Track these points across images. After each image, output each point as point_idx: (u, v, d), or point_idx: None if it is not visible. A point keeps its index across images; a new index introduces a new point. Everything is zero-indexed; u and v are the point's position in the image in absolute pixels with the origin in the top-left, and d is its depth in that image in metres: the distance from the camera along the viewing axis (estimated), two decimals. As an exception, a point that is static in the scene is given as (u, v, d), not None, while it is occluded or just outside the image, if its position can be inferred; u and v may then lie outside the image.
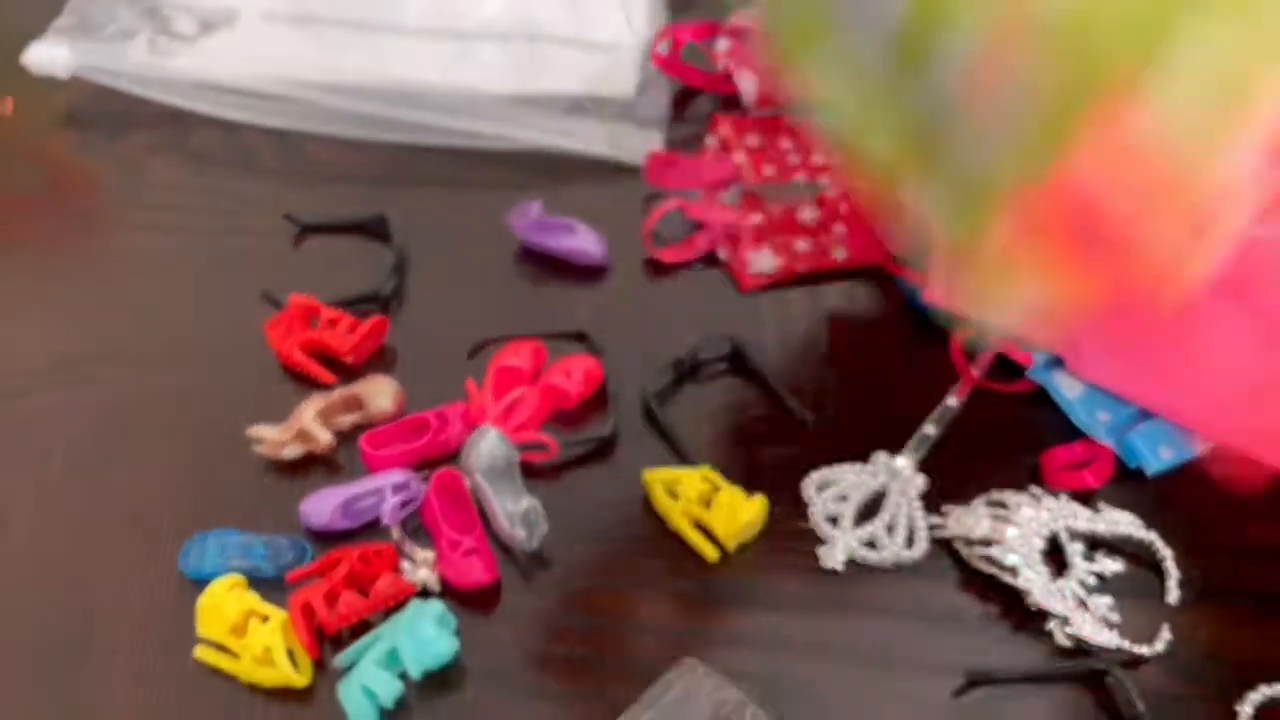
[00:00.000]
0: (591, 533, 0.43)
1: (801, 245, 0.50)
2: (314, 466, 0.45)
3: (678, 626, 0.40)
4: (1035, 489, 0.42)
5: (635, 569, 0.42)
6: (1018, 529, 0.40)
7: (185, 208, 0.55)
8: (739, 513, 0.41)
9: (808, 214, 0.51)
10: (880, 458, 0.44)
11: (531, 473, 0.44)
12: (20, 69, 0.57)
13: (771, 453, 0.45)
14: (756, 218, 0.51)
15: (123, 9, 0.59)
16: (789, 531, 0.43)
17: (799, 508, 0.43)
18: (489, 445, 0.42)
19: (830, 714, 0.38)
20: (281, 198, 0.55)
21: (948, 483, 0.43)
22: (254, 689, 0.39)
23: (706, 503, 0.42)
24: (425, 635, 0.38)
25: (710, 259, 0.52)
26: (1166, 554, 0.41)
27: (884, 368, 0.47)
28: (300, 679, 0.38)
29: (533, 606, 0.41)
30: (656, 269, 0.52)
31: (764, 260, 0.50)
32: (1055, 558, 0.41)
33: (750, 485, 0.43)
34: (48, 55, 0.56)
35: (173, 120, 0.58)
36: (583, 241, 0.51)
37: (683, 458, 0.44)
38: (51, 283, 0.52)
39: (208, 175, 0.56)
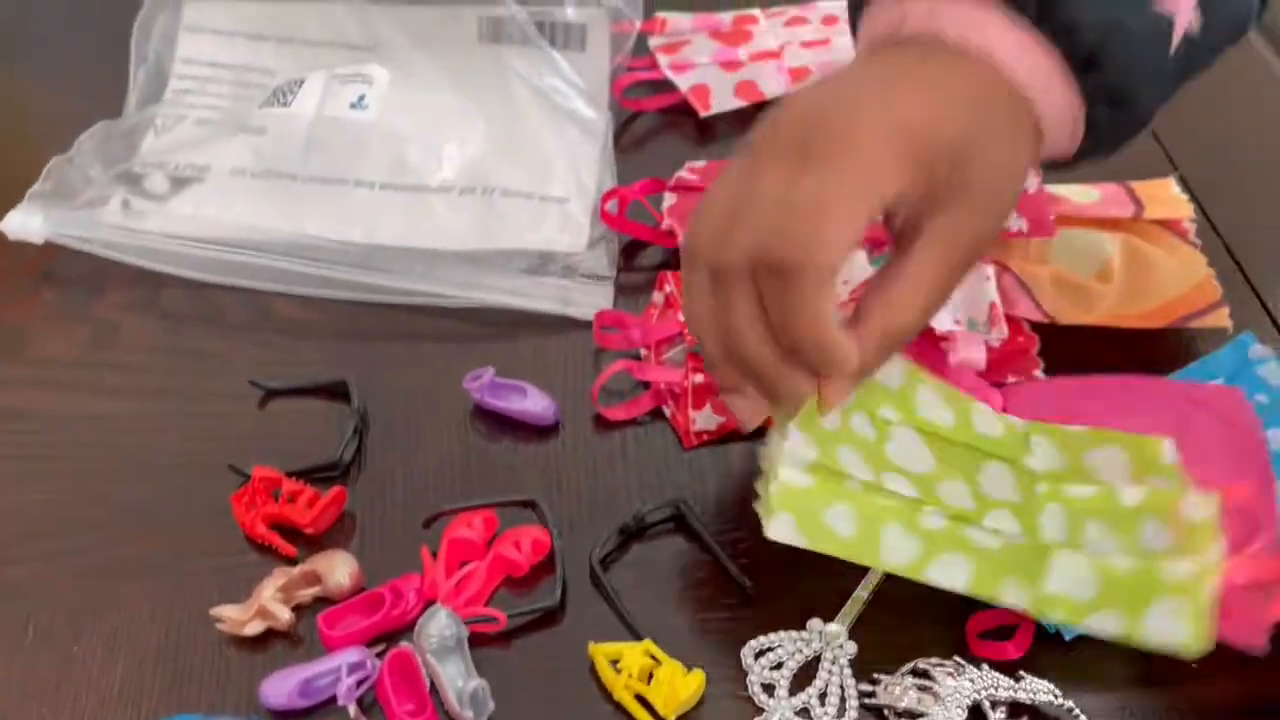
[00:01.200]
0: (539, 704, 0.45)
1: (742, 404, 0.53)
2: (275, 641, 0.47)
3: (620, 800, 0.42)
4: (958, 659, 0.44)
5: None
6: (941, 702, 0.42)
7: (155, 369, 0.57)
8: (678, 689, 0.43)
9: (748, 372, 0.53)
10: (815, 624, 0.46)
11: (482, 642, 0.46)
12: (-2, 233, 0.60)
13: (713, 618, 0.47)
14: (699, 377, 0.53)
15: (98, 171, 0.62)
16: (727, 702, 0.45)
17: (737, 675, 0.45)
18: (438, 626, 0.44)
19: None
20: (249, 356, 0.57)
21: (878, 648, 0.45)
22: None
23: (648, 677, 0.44)
24: (376, 823, 0.40)
25: (658, 413, 0.54)
26: (1083, 719, 0.43)
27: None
28: None
29: (482, 782, 0.43)
30: (605, 425, 0.54)
31: (706, 419, 0.53)
32: (979, 723, 0.43)
33: (691, 652, 0.45)
34: (22, 223, 0.59)
35: (146, 279, 0.60)
36: (534, 404, 0.53)
37: (628, 627, 0.47)
38: (25, 449, 0.55)
39: (178, 335, 0.59)
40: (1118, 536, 0.44)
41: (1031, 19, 0.40)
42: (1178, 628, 0.42)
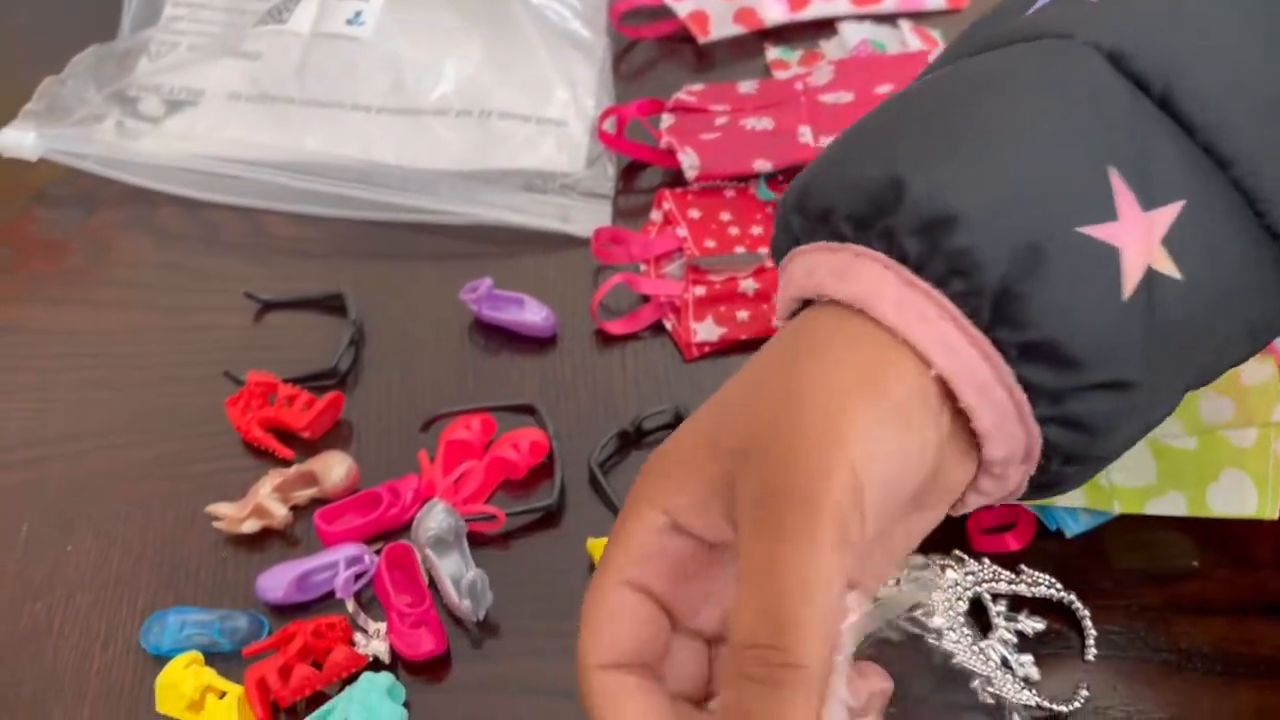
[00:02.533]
0: (538, 600, 0.45)
1: (742, 315, 0.53)
2: (271, 540, 0.47)
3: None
4: (959, 552, 0.44)
5: (578, 635, 0.44)
6: (943, 593, 0.42)
7: (151, 284, 0.57)
8: (677, 581, 0.43)
9: (748, 284, 0.53)
10: (814, 523, 0.46)
11: (481, 542, 0.46)
12: (-9, 151, 0.59)
13: (712, 519, 0.47)
14: (700, 290, 0.53)
15: (91, 92, 0.61)
16: (727, 596, 0.44)
17: (737, 573, 0.45)
18: (436, 519, 0.44)
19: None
20: (243, 273, 0.57)
21: (879, 546, 0.45)
22: (211, 762, 0.40)
23: (647, 571, 0.44)
24: (374, 706, 0.39)
25: (657, 328, 0.54)
26: (1085, 613, 0.43)
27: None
28: (255, 751, 0.40)
29: (481, 675, 0.43)
30: (605, 339, 0.54)
31: (708, 330, 0.52)
32: (981, 618, 0.43)
33: (691, 551, 0.45)
34: (16, 140, 0.58)
35: (139, 198, 0.60)
36: (532, 315, 0.53)
37: (626, 526, 0.46)
38: (21, 361, 0.54)
39: (173, 252, 0.58)
40: (1175, 419, 0.43)
41: (915, 260, 0.30)
42: (1246, 497, 0.42)
